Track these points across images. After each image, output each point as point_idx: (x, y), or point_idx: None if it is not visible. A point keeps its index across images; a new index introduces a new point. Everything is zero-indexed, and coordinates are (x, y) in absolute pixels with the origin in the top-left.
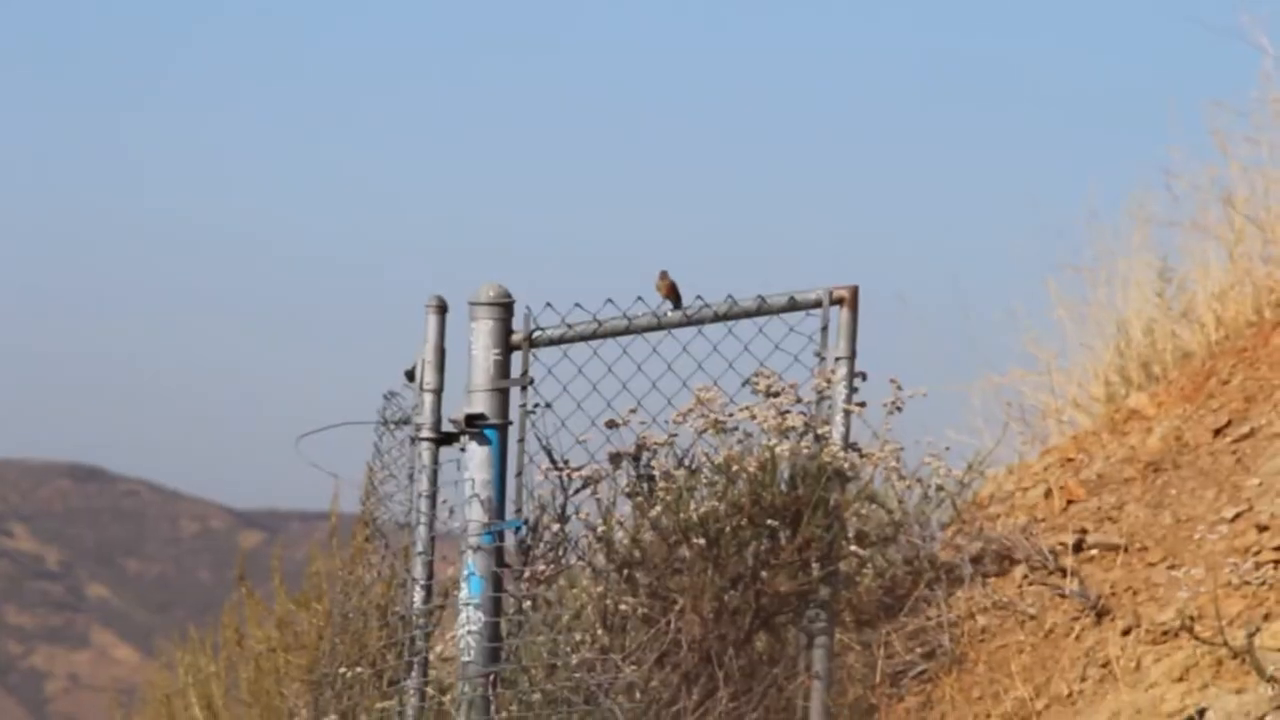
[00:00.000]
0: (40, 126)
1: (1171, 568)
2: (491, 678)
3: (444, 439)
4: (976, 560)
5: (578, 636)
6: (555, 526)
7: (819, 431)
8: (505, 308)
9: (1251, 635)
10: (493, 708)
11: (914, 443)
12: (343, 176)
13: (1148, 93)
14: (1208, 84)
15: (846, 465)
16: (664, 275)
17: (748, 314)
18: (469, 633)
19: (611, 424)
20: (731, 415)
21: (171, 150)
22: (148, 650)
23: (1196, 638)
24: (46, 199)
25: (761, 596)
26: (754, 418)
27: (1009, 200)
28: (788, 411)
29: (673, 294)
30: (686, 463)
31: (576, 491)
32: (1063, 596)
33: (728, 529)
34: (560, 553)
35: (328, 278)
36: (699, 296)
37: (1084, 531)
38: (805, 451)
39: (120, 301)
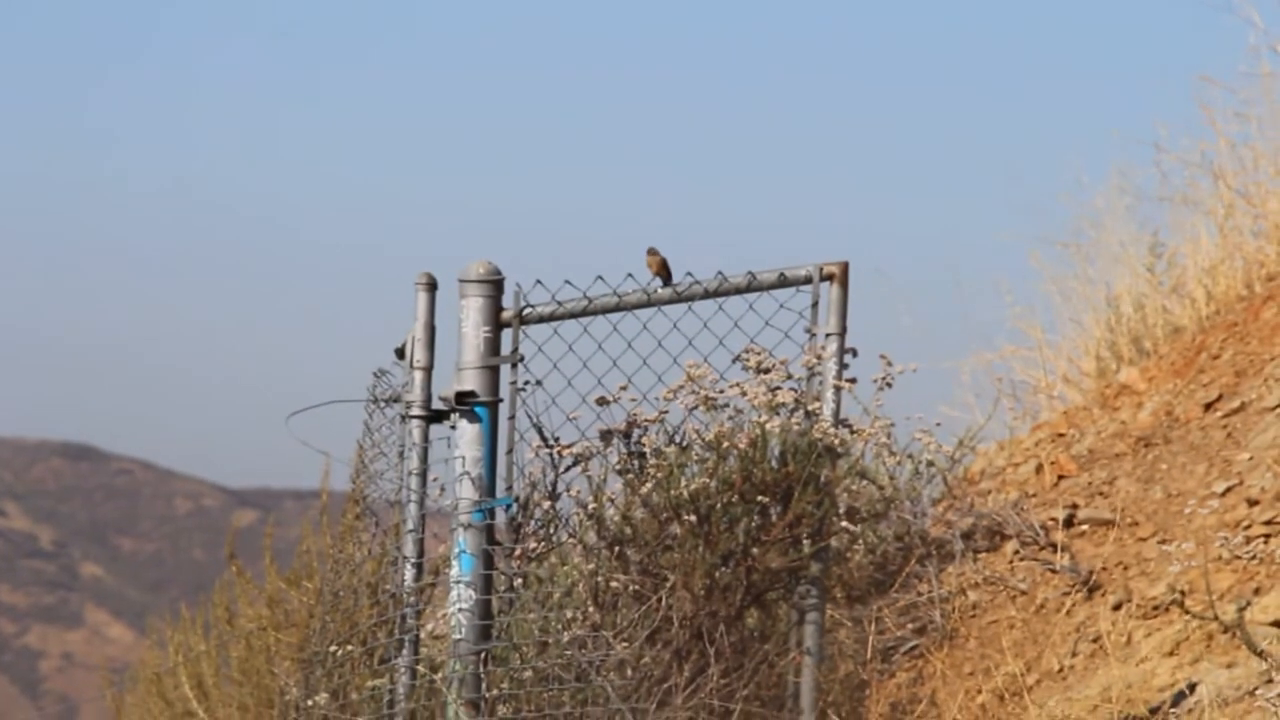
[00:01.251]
0: (31, 102)
1: (1162, 542)
2: (483, 655)
3: (434, 416)
4: (967, 536)
5: (569, 614)
6: (546, 504)
7: (810, 408)
8: (495, 285)
9: (1242, 609)
10: (484, 685)
11: (905, 419)
12: (334, 155)
13: (1136, 66)
14: (1197, 57)
15: (837, 441)
16: (654, 252)
17: (738, 290)
18: (460, 610)
19: (602, 401)
20: (722, 392)
21: (163, 130)
22: (142, 629)
23: (1187, 612)
24: (40, 182)
25: (752, 573)
26: (745, 394)
27: (996, 176)
28: (778, 388)
29: (663, 271)
30: (677, 439)
31: (567, 469)
32: (1054, 572)
33: (719, 506)
34: (551, 530)
35: (319, 256)
36: (689, 273)
37: (1075, 506)
38: (796, 428)
39: (112, 280)
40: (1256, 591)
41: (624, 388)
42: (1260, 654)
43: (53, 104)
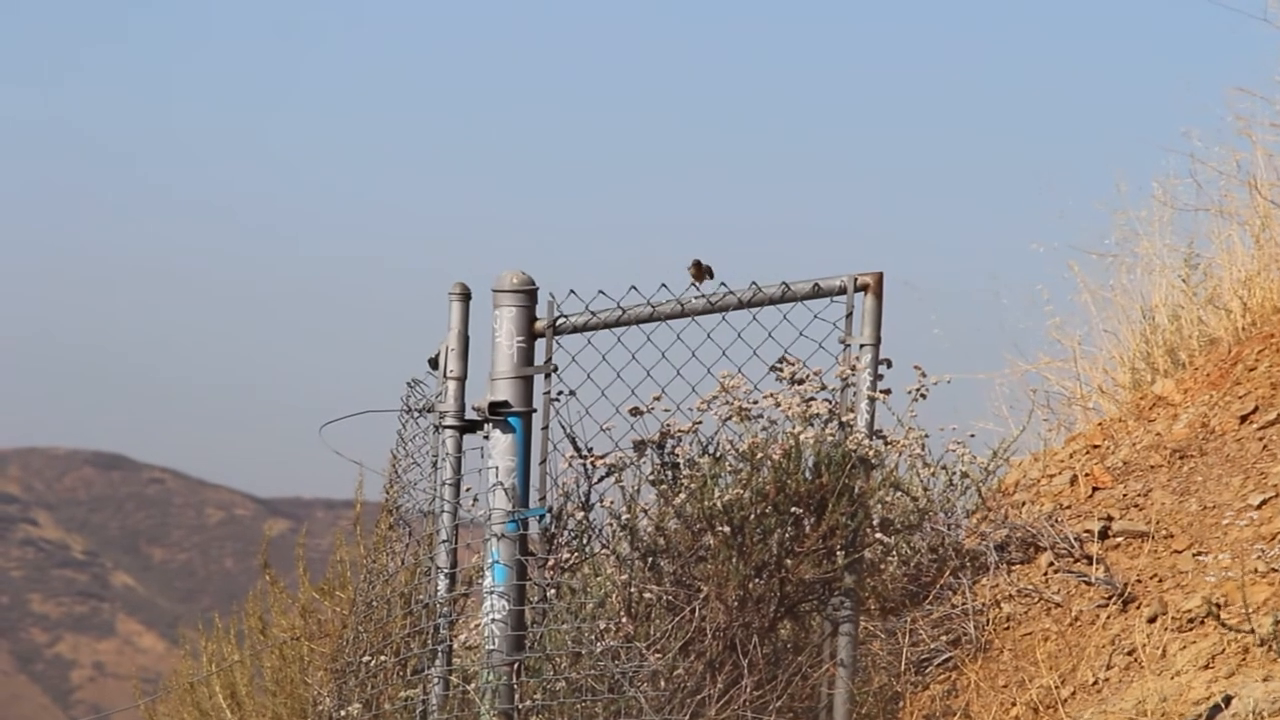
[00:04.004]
0: (61, 113)
1: (1198, 555)
2: (516, 666)
3: (468, 426)
4: (1002, 548)
5: (602, 624)
6: (579, 514)
7: (844, 419)
8: (529, 295)
9: (1278, 622)
10: (517, 696)
11: (939, 430)
12: (365, 166)
13: (1171, 77)
14: (1233, 67)
15: (871, 452)
16: (697, 263)
17: (772, 300)
18: (493, 621)
19: (635, 411)
20: (756, 402)
21: (195, 144)
22: (173, 638)
23: (1223, 625)
24: (66, 192)
25: (786, 584)
26: (778, 405)
27: (1029, 185)
28: (812, 398)
29: (704, 280)
30: (711, 450)
31: (600, 479)
32: (1088, 584)
33: (752, 516)
34: (584, 540)
35: (353, 265)
36: (723, 283)
37: (1110, 519)
38: (830, 439)
39: (145, 291)
40: None
41: (657, 398)
42: None
43: (85, 107)
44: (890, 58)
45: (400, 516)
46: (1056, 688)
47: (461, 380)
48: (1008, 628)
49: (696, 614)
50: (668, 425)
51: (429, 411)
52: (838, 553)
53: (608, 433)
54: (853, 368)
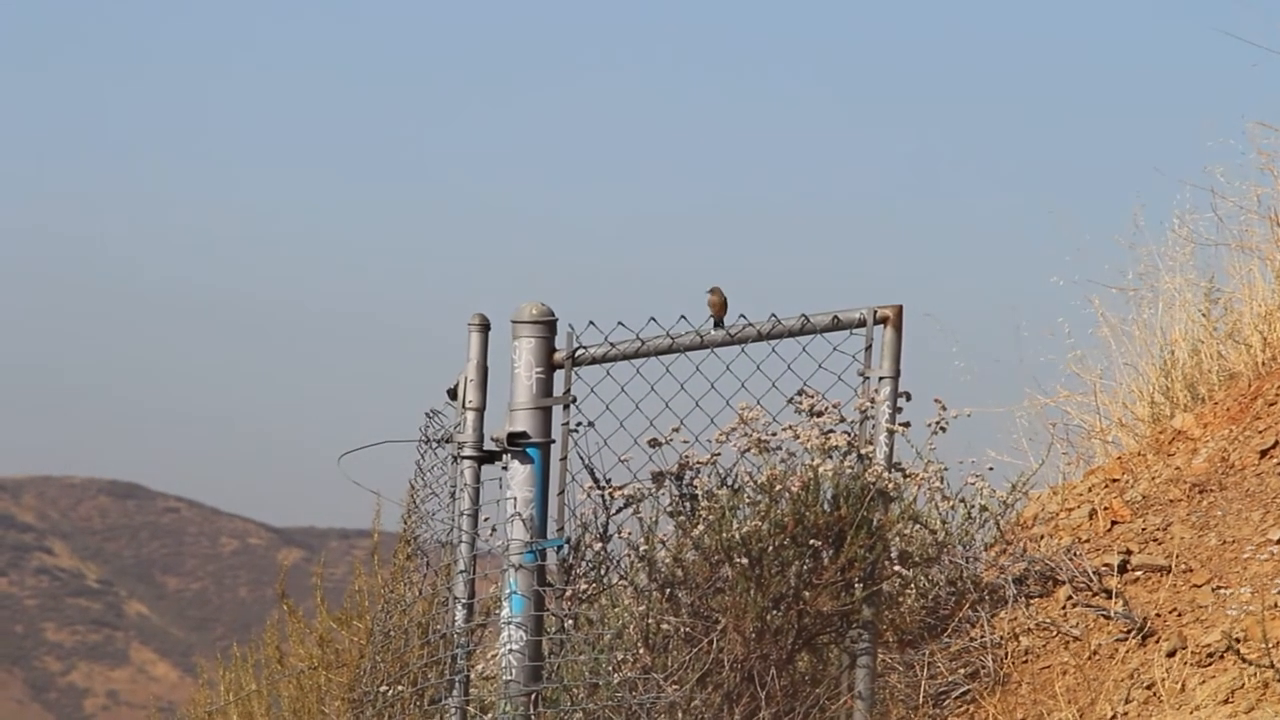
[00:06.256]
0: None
1: (1217, 589)
2: (533, 696)
3: (486, 457)
4: (1020, 581)
5: (620, 655)
6: (597, 545)
7: (862, 451)
8: (548, 326)
9: None
10: None
11: (958, 463)
12: (385, 194)
13: (1193, 111)
14: (1255, 102)
15: (890, 485)
16: (716, 291)
17: (791, 333)
18: (511, 651)
19: (654, 443)
20: (775, 434)
21: (215, 167)
22: (186, 668)
23: (1243, 659)
24: (72, 211)
25: (804, 616)
26: (797, 437)
27: (1053, 220)
28: (831, 431)
29: (723, 311)
30: (729, 482)
31: (619, 510)
32: (1107, 618)
33: (770, 548)
34: (602, 571)
35: (371, 294)
36: (742, 315)
37: (1129, 552)
38: (849, 471)
39: (160, 319)
40: None
41: (676, 429)
42: None
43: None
44: (910, 79)
45: (418, 547)
46: None
47: (480, 411)
48: (1026, 661)
49: (714, 646)
50: (686, 457)
51: (447, 442)
52: (856, 585)
53: (626, 464)
54: (872, 400)
